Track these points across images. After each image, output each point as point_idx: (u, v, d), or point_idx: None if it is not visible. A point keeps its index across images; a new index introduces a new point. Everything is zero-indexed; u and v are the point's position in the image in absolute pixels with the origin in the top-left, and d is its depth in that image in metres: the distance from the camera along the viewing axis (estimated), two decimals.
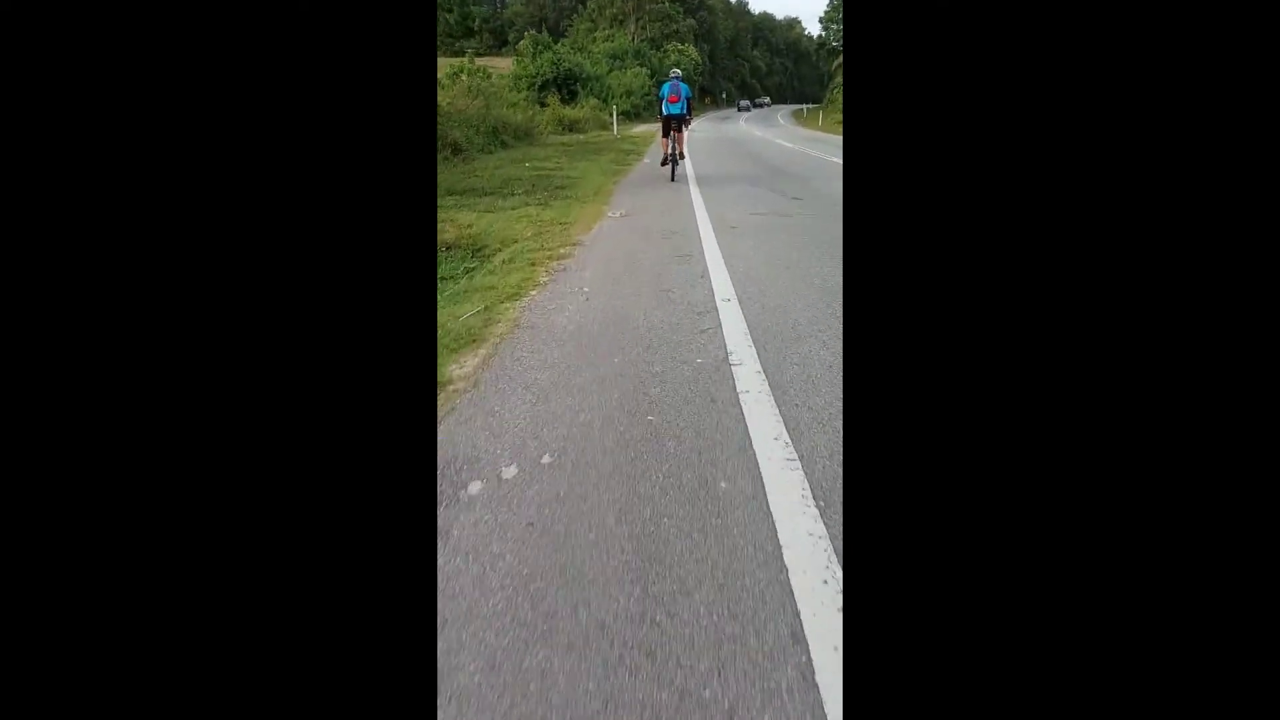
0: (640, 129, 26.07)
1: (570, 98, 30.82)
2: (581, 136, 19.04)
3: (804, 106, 53.75)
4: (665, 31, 53.37)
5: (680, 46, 50.66)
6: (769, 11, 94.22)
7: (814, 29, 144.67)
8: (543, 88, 30.46)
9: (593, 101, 30.73)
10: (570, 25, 53.08)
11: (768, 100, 65.93)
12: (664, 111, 8.42)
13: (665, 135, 8.52)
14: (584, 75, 31.98)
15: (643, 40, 46.18)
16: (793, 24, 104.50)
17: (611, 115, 21.46)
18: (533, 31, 34.13)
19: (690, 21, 56.40)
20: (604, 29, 49.33)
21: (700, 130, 25.14)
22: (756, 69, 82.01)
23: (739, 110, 52.27)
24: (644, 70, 36.33)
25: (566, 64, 30.97)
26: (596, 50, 38.41)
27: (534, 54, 31.12)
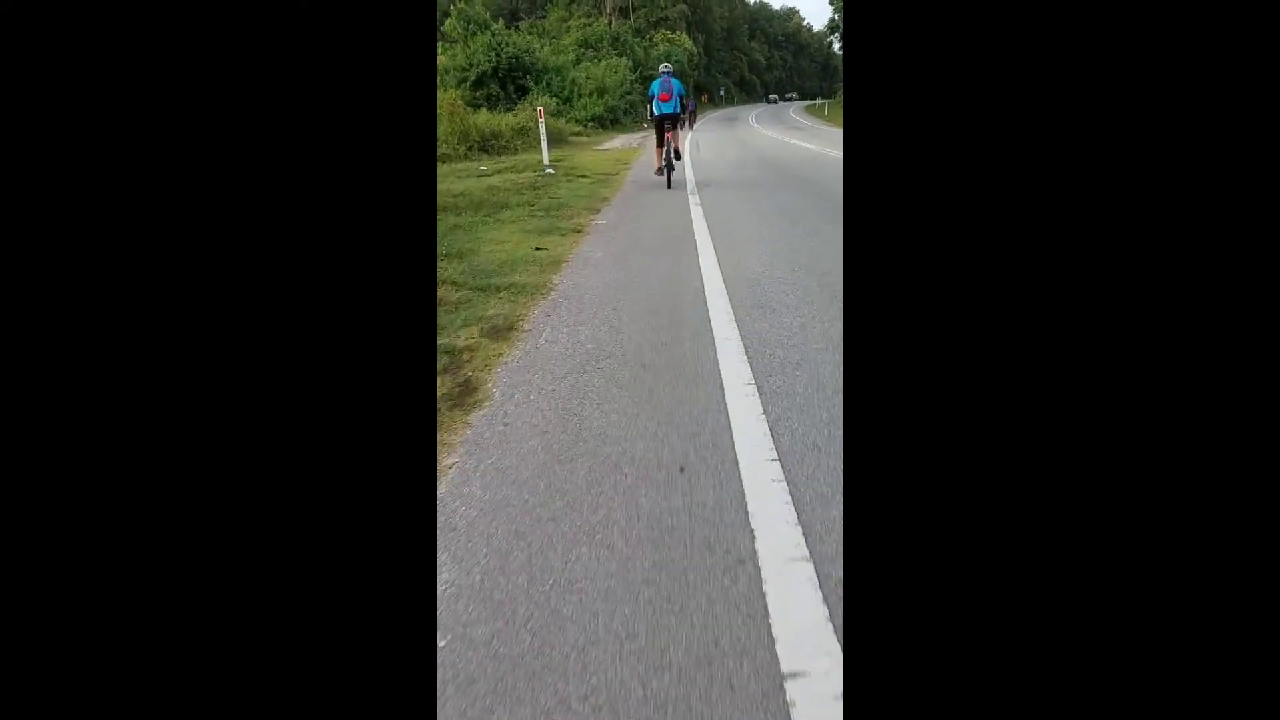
0: (612, 145, 16.88)
1: (519, 96, 21.69)
2: (479, 176, 9.73)
3: (821, 102, 46.34)
4: (652, 19, 44.31)
5: (671, 35, 41.62)
6: (765, 0, 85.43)
7: (813, 20, 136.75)
8: (478, 83, 21.29)
9: (546, 101, 21.58)
10: (544, 16, 43.81)
11: (795, 95, 69.83)
12: (654, 112, 7.65)
13: (660, 144, 7.75)
14: (535, 66, 22.82)
15: (624, 27, 36.83)
16: (790, 14, 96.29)
17: (540, 126, 10.64)
18: (461, 2, 24.87)
19: (682, 7, 47.38)
20: (579, 17, 40.08)
21: (705, 142, 16.17)
22: (755, 62, 73.82)
23: (768, 103, 55.39)
24: (624, 61, 27.17)
25: (510, 49, 21.81)
26: (566, 40, 28.99)
27: (465, 38, 21.99)
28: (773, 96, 64.28)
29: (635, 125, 25.36)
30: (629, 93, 26.16)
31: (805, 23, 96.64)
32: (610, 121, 23.74)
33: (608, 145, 16.68)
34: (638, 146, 15.84)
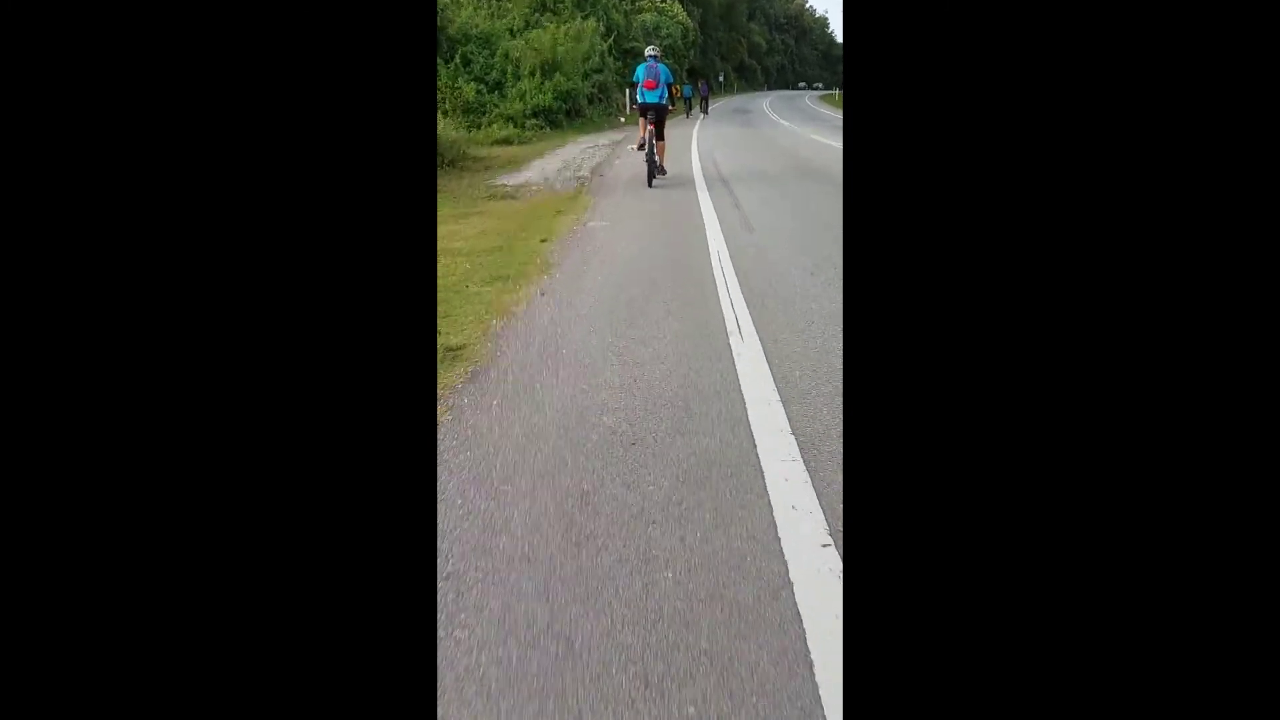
0: (536, 174, 8.64)
1: None
2: None
3: (839, 92, 38.81)
4: None
5: (661, 3, 33.12)
6: None
7: (815, 2, 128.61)
8: None
9: (461, 88, 13.32)
10: None
11: (820, 85, 67.50)
12: (640, 99, 6.99)
13: (644, 115, 6.91)
14: (444, 32, 14.39)
15: None
16: None
17: None
18: None
19: None
20: None
21: (724, 149, 8.04)
22: (755, 46, 65.57)
23: (796, 90, 53.80)
24: (592, 25, 18.74)
25: None
26: (513, 8, 20.15)
27: None
28: (802, 84, 66.25)
29: (606, 119, 16.96)
30: (598, 70, 17.74)
31: (808, 5, 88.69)
32: (567, 114, 15.36)
33: (526, 174, 8.31)
34: (588, 178, 7.61)
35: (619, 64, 20.61)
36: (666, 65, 6.95)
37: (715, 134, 13.69)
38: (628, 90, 20.41)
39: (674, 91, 7.07)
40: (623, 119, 17.42)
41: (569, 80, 15.39)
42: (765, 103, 31.40)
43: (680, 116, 19.61)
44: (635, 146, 7.20)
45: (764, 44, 68.82)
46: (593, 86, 17.28)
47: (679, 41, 30.86)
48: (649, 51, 7.03)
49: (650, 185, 6.68)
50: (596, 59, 17.74)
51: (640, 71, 6.86)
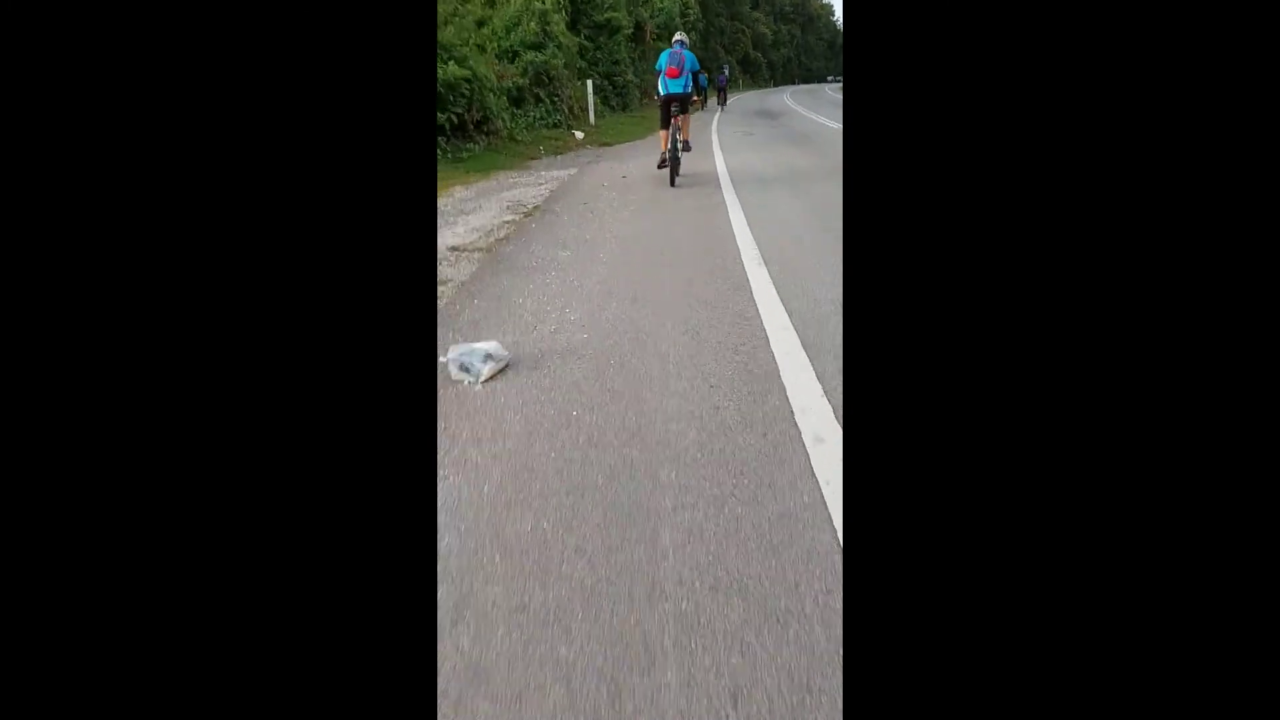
0: None
1: None
2: None
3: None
4: None
5: None
6: None
7: None
8: None
9: None
10: None
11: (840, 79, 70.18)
12: (662, 90, 6.47)
13: (665, 125, 6.42)
14: None
15: None
16: None
17: None
18: None
19: None
20: None
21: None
22: (760, 37, 58.41)
23: (826, 82, 54.06)
24: None
25: None
26: None
27: None
28: (829, 77, 64.41)
29: (549, 139, 9.50)
30: (537, 46, 10.34)
31: None
32: (458, 131, 7.92)
33: None
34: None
35: (583, 41, 13.18)
36: (692, 54, 6.42)
37: (738, 151, 6.65)
38: (589, 85, 13.02)
39: (697, 79, 6.21)
40: (580, 135, 10.02)
41: (461, 67, 7.90)
42: (787, 97, 24.54)
43: (696, 110, 14.51)
44: (658, 165, 6.70)
45: (769, 35, 61.47)
46: (524, 75, 9.86)
47: (676, 18, 23.60)
48: (677, 38, 6.58)
49: (673, 185, 6.24)
50: (534, 27, 10.34)
51: (664, 59, 6.39)
